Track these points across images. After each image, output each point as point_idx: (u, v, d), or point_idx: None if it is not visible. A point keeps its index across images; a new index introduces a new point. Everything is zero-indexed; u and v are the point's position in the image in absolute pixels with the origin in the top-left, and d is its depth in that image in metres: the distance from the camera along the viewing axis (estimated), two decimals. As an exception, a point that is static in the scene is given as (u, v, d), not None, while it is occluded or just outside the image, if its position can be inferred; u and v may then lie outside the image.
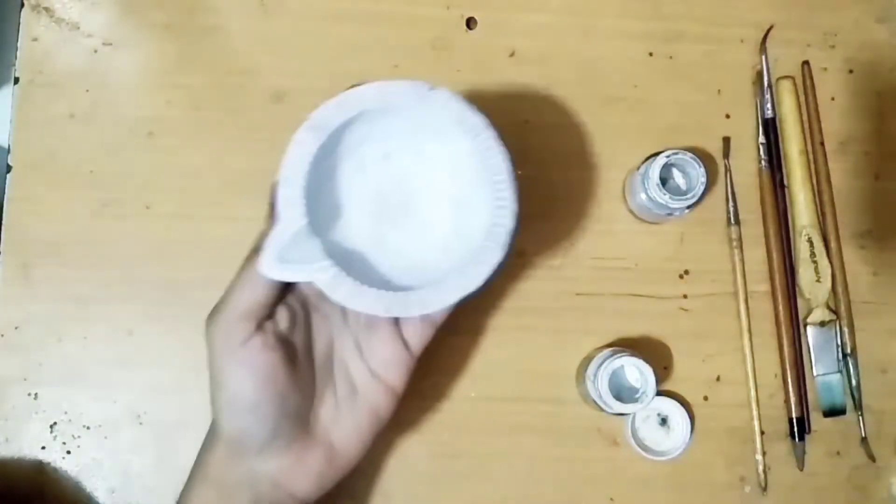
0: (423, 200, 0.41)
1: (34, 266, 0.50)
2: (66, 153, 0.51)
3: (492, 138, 0.38)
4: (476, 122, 0.38)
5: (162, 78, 0.53)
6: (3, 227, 0.50)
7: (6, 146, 0.51)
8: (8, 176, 0.51)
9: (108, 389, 0.50)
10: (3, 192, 0.51)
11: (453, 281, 0.36)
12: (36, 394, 0.49)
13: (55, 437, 0.49)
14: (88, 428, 0.49)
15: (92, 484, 0.49)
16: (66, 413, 0.49)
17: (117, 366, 0.50)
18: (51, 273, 0.50)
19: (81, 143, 0.51)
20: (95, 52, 0.52)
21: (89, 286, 0.50)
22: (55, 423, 0.49)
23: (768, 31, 0.54)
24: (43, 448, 0.49)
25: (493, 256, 0.37)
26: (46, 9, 0.53)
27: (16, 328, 0.50)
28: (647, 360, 0.47)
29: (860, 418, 0.51)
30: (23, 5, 0.52)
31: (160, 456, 0.49)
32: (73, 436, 0.49)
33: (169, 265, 0.51)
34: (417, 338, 0.39)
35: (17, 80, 0.52)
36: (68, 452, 0.49)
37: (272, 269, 0.36)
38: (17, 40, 0.52)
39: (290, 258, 0.36)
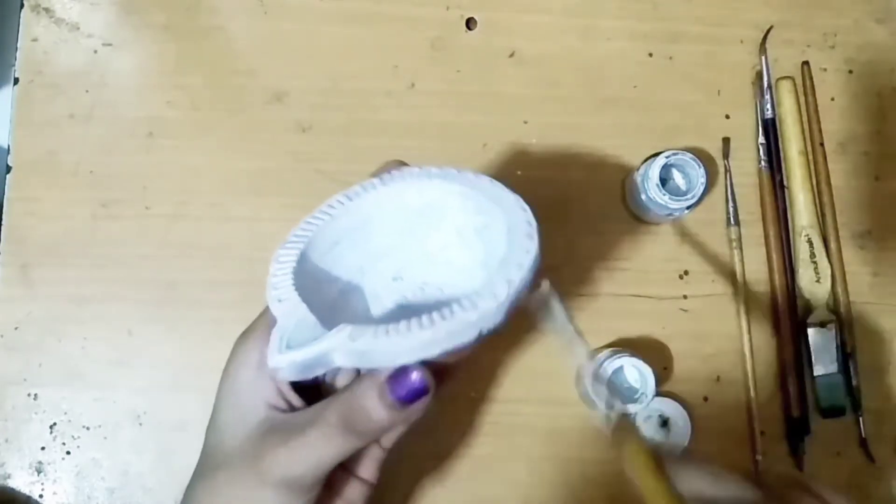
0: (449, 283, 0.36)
1: (34, 266, 0.50)
2: (65, 153, 0.51)
3: (501, 186, 0.34)
4: (454, 172, 0.34)
5: (162, 78, 0.53)
6: (3, 227, 0.50)
7: (6, 146, 0.51)
8: (8, 176, 0.51)
9: (107, 389, 0.50)
10: (3, 192, 0.51)
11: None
12: (36, 394, 0.49)
13: (55, 438, 0.49)
14: (88, 428, 0.49)
15: (92, 484, 0.49)
16: (65, 413, 0.49)
17: (117, 366, 0.50)
18: (51, 273, 0.50)
19: (81, 143, 0.51)
20: (95, 52, 0.52)
21: (89, 286, 0.50)
22: (55, 424, 0.49)
23: (768, 31, 0.54)
24: (43, 448, 0.49)
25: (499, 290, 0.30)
26: (46, 9, 0.53)
27: (16, 328, 0.50)
28: (646, 361, 0.47)
29: (860, 419, 0.51)
30: (23, 5, 0.52)
31: (160, 456, 0.49)
32: (72, 436, 0.49)
33: (169, 265, 0.51)
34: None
35: (16, 81, 0.52)
36: (68, 453, 0.49)
37: (279, 358, 0.30)
38: (17, 41, 0.52)
39: (295, 344, 0.30)
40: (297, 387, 0.34)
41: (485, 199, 0.33)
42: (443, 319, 0.29)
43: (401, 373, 0.31)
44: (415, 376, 0.30)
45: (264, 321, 0.35)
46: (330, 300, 0.35)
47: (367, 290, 0.36)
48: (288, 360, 0.30)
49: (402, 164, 0.36)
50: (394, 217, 0.36)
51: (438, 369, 0.32)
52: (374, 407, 0.31)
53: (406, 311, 0.34)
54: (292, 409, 0.34)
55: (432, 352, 0.29)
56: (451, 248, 0.36)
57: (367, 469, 0.36)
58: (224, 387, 0.35)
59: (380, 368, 0.31)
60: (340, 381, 0.36)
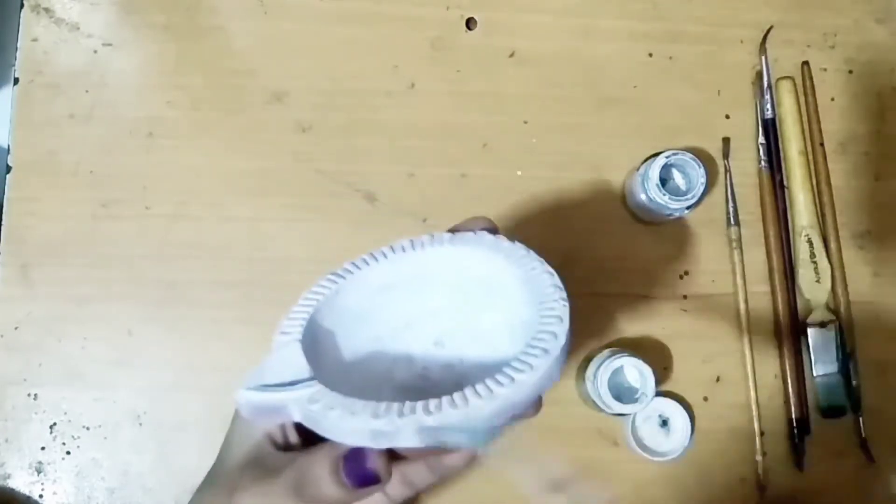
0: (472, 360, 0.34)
1: (34, 266, 0.50)
2: (65, 153, 0.51)
3: (535, 259, 0.32)
4: (509, 246, 0.33)
5: (162, 78, 0.53)
6: (3, 227, 0.50)
7: (6, 146, 0.51)
8: (8, 176, 0.51)
9: (107, 390, 0.50)
10: (3, 192, 0.51)
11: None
12: (36, 394, 0.49)
13: (55, 438, 0.49)
14: (88, 428, 0.49)
15: (92, 484, 0.49)
16: (65, 413, 0.49)
17: (117, 366, 0.50)
18: (51, 273, 0.50)
19: (81, 143, 0.51)
20: (95, 52, 0.52)
21: (89, 286, 0.50)
22: (55, 424, 0.49)
23: (768, 31, 0.54)
24: (43, 448, 0.49)
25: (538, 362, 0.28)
26: (46, 9, 0.53)
27: (16, 328, 0.50)
28: (646, 361, 0.47)
29: (860, 419, 0.51)
30: (23, 6, 0.52)
31: (160, 456, 0.49)
32: (72, 436, 0.49)
33: (169, 265, 0.51)
34: (397, 491, 0.33)
35: (16, 81, 0.52)
36: (68, 453, 0.49)
37: (241, 393, 0.28)
38: (17, 41, 0.52)
39: (270, 382, 0.29)
40: (303, 429, 0.32)
41: (538, 297, 0.31)
42: (399, 416, 0.26)
43: (357, 454, 0.28)
44: (369, 462, 0.28)
45: None
46: (360, 343, 0.34)
47: (404, 344, 0.34)
48: (246, 398, 0.28)
49: (490, 223, 0.34)
50: (453, 279, 0.34)
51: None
52: (325, 480, 0.29)
53: (426, 385, 0.33)
54: (287, 445, 0.32)
55: (381, 444, 0.27)
56: (497, 332, 0.34)
57: None
58: (236, 413, 0.34)
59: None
60: None
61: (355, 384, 0.29)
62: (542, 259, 0.32)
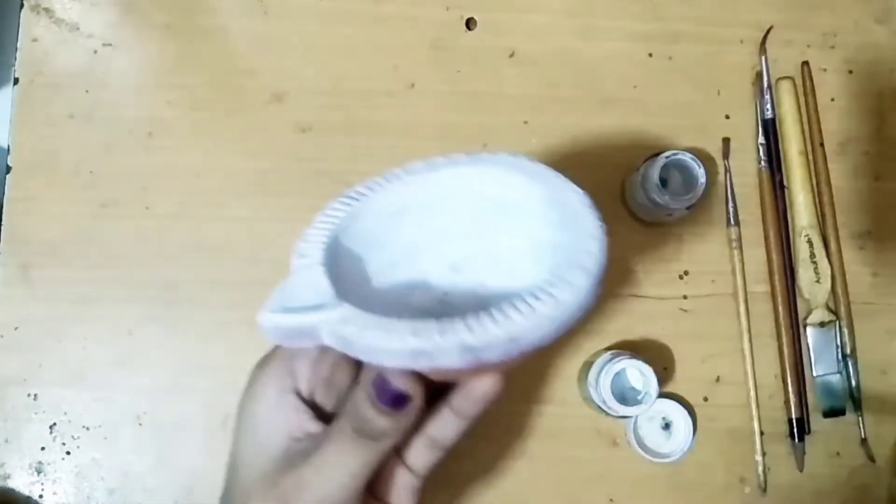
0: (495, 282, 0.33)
1: (34, 266, 0.50)
2: (65, 153, 0.51)
3: (561, 178, 0.31)
4: (528, 164, 0.31)
5: (162, 78, 0.53)
6: (3, 227, 0.50)
7: (6, 146, 0.51)
8: (8, 176, 0.51)
9: (107, 390, 0.50)
10: (3, 192, 0.51)
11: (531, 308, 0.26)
12: (35, 394, 0.49)
13: (55, 438, 0.49)
14: (88, 428, 0.49)
15: (92, 484, 0.49)
16: (65, 413, 0.49)
17: (117, 366, 0.50)
18: (51, 273, 0.50)
19: (81, 143, 0.51)
20: (95, 52, 0.52)
21: (89, 286, 0.50)
22: (55, 424, 0.49)
23: (768, 31, 0.54)
24: (43, 448, 0.49)
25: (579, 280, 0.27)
26: (46, 9, 0.53)
27: (16, 328, 0.50)
28: (647, 362, 0.47)
29: (860, 419, 0.51)
30: (23, 5, 0.52)
31: (160, 456, 0.49)
32: (72, 436, 0.49)
33: (169, 265, 0.51)
34: (422, 460, 0.33)
35: (16, 81, 0.52)
36: (68, 453, 0.49)
37: (267, 317, 0.28)
38: (17, 41, 0.52)
39: (296, 306, 0.27)
40: (319, 415, 0.32)
41: (568, 215, 0.29)
42: (440, 334, 0.25)
43: (380, 378, 0.29)
44: (395, 383, 0.29)
45: (284, 350, 0.33)
46: (375, 267, 0.32)
47: (419, 270, 0.33)
48: (274, 321, 0.27)
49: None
50: (471, 202, 0.32)
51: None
52: (369, 411, 0.29)
53: (445, 309, 0.32)
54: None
55: (420, 364, 0.26)
56: (519, 256, 0.32)
57: (401, 498, 0.33)
58: (242, 424, 0.33)
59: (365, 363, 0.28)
60: None
61: (373, 310, 0.27)
62: (568, 178, 0.30)
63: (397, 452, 0.32)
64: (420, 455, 0.33)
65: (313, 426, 0.32)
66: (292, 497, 0.29)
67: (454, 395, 0.31)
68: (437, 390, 0.31)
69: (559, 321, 0.26)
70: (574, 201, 0.30)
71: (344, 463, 0.29)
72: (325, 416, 0.32)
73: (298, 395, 0.32)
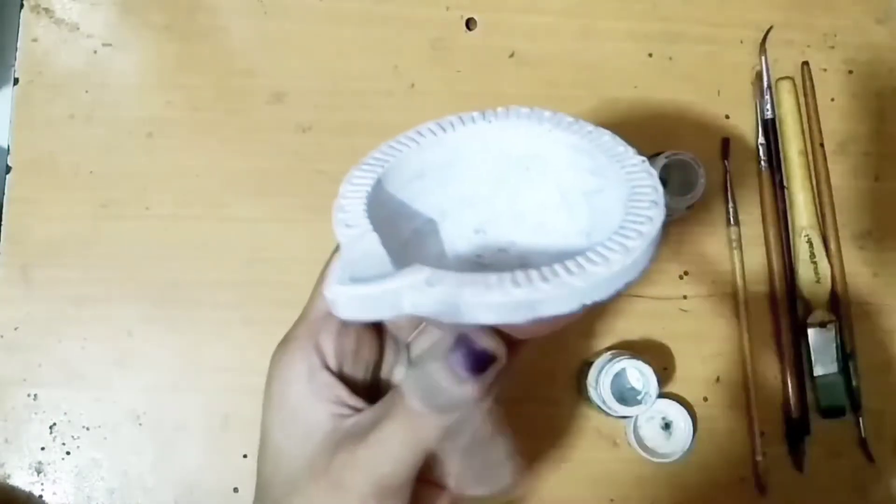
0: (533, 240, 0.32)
1: (34, 266, 0.50)
2: (66, 153, 0.51)
3: (587, 124, 0.30)
4: (551, 115, 0.30)
5: (162, 78, 0.53)
6: (3, 227, 0.50)
7: (6, 147, 0.51)
8: (8, 176, 0.51)
9: (107, 390, 0.50)
10: (3, 193, 0.51)
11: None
12: (35, 394, 0.49)
13: (55, 438, 0.49)
14: (88, 428, 0.49)
15: (92, 484, 0.49)
16: (65, 414, 0.49)
17: (117, 366, 0.50)
18: (51, 273, 0.50)
19: (81, 143, 0.51)
20: (95, 52, 0.52)
21: (89, 286, 0.50)
22: (55, 424, 0.49)
23: (768, 31, 0.54)
24: (42, 449, 0.49)
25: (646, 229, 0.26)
26: (46, 9, 0.53)
27: (15, 329, 0.50)
28: (646, 362, 0.47)
29: (859, 419, 0.51)
30: (23, 5, 0.52)
31: (160, 456, 0.49)
32: (72, 436, 0.49)
33: (169, 265, 0.51)
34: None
35: (16, 81, 0.52)
36: (68, 453, 0.49)
37: (340, 290, 0.25)
38: (17, 41, 0.52)
39: (360, 277, 0.25)
40: (355, 390, 0.31)
41: (603, 158, 0.28)
42: (543, 280, 0.24)
43: (463, 338, 0.27)
44: (479, 342, 0.27)
45: (305, 328, 0.31)
46: (403, 238, 0.31)
47: (444, 236, 0.32)
48: (350, 293, 0.25)
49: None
50: (490, 161, 0.31)
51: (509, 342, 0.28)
52: (445, 379, 0.27)
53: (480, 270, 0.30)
54: (357, 412, 0.30)
55: (522, 316, 0.24)
56: (548, 209, 0.31)
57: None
58: (275, 415, 0.31)
59: (443, 333, 0.27)
60: (397, 377, 0.33)
61: None
62: (593, 124, 0.29)
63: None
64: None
65: (353, 400, 0.30)
66: (347, 478, 0.28)
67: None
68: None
69: (649, 253, 0.25)
70: (609, 143, 0.29)
71: (404, 440, 0.28)
72: (356, 390, 0.31)
73: (329, 370, 0.31)
